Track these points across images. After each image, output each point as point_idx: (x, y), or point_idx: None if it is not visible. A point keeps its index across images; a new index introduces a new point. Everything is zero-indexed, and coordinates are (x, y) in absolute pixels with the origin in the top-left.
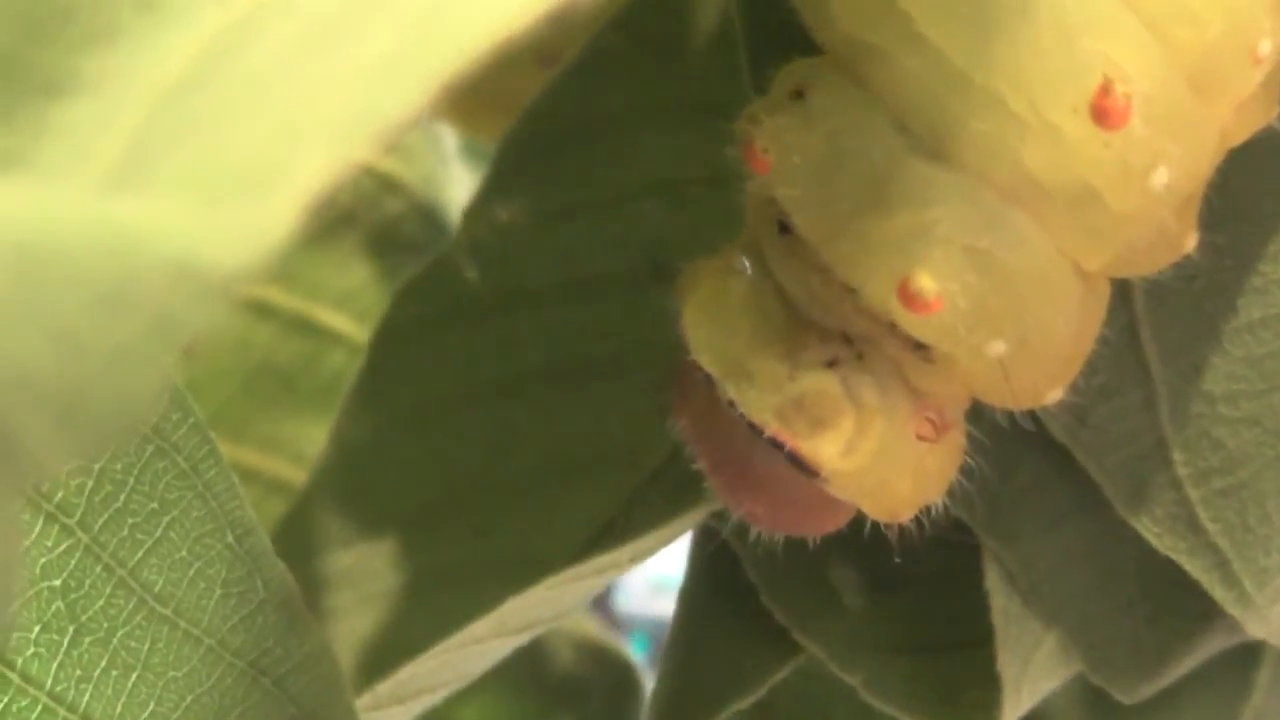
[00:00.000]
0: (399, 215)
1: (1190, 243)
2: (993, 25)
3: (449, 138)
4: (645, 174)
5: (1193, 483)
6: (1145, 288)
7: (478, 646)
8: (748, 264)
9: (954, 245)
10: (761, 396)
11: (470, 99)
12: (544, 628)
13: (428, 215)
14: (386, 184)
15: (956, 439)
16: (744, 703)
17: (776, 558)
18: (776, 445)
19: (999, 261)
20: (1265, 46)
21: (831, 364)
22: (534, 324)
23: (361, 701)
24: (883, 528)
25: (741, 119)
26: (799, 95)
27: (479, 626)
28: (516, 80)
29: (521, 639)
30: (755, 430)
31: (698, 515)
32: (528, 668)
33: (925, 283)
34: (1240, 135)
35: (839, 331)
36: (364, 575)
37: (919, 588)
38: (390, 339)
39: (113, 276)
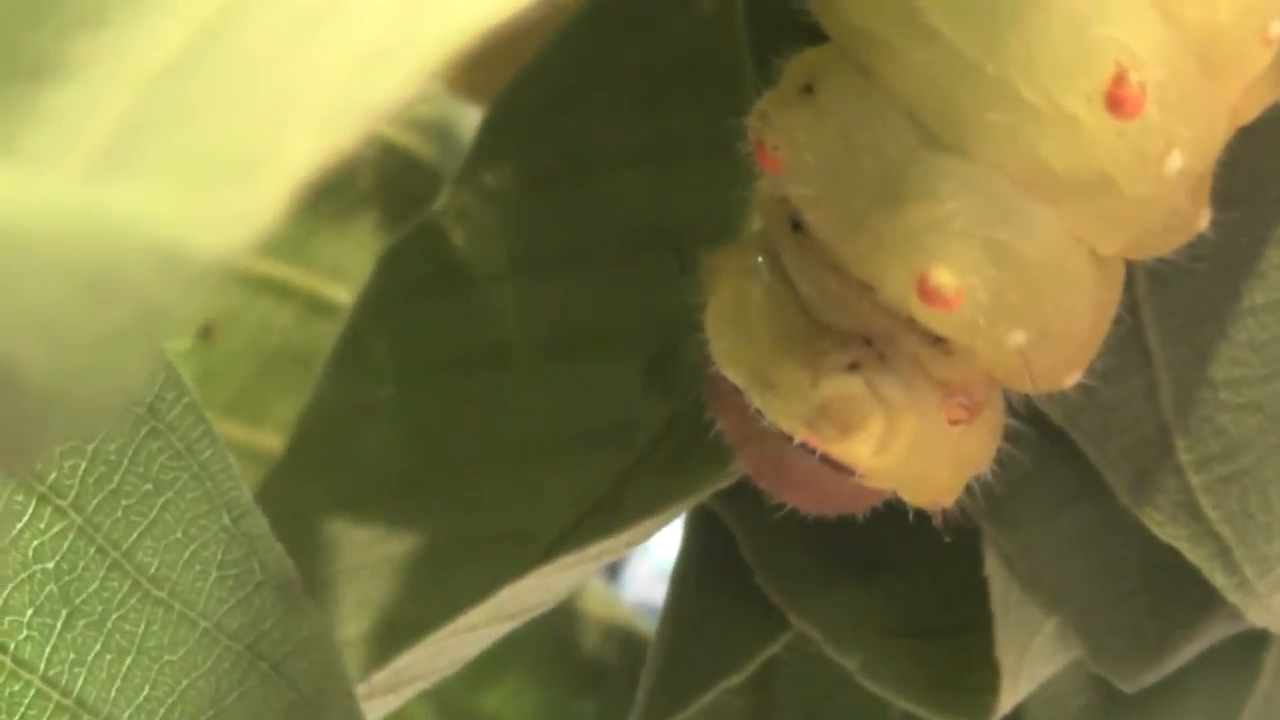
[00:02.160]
0: (420, 194)
1: (1203, 222)
2: (1004, 14)
3: (471, 115)
4: (637, 142)
5: (1194, 469)
6: (1148, 272)
7: (472, 633)
8: (764, 263)
9: (972, 238)
10: (787, 406)
11: (482, 70)
12: (539, 612)
13: None
14: (407, 162)
15: (993, 415)
16: (734, 679)
17: (773, 538)
18: (809, 450)
19: (1017, 252)
20: (1276, 27)
21: (853, 367)
22: (521, 293)
23: (357, 691)
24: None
25: (751, 115)
26: (808, 90)
27: (475, 614)
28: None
29: (516, 623)
30: (786, 437)
31: (694, 499)
32: (553, 652)
33: (944, 278)
34: (1249, 114)
35: (858, 333)
36: (347, 546)
37: (917, 571)
38: (373, 304)
39: (97, 264)
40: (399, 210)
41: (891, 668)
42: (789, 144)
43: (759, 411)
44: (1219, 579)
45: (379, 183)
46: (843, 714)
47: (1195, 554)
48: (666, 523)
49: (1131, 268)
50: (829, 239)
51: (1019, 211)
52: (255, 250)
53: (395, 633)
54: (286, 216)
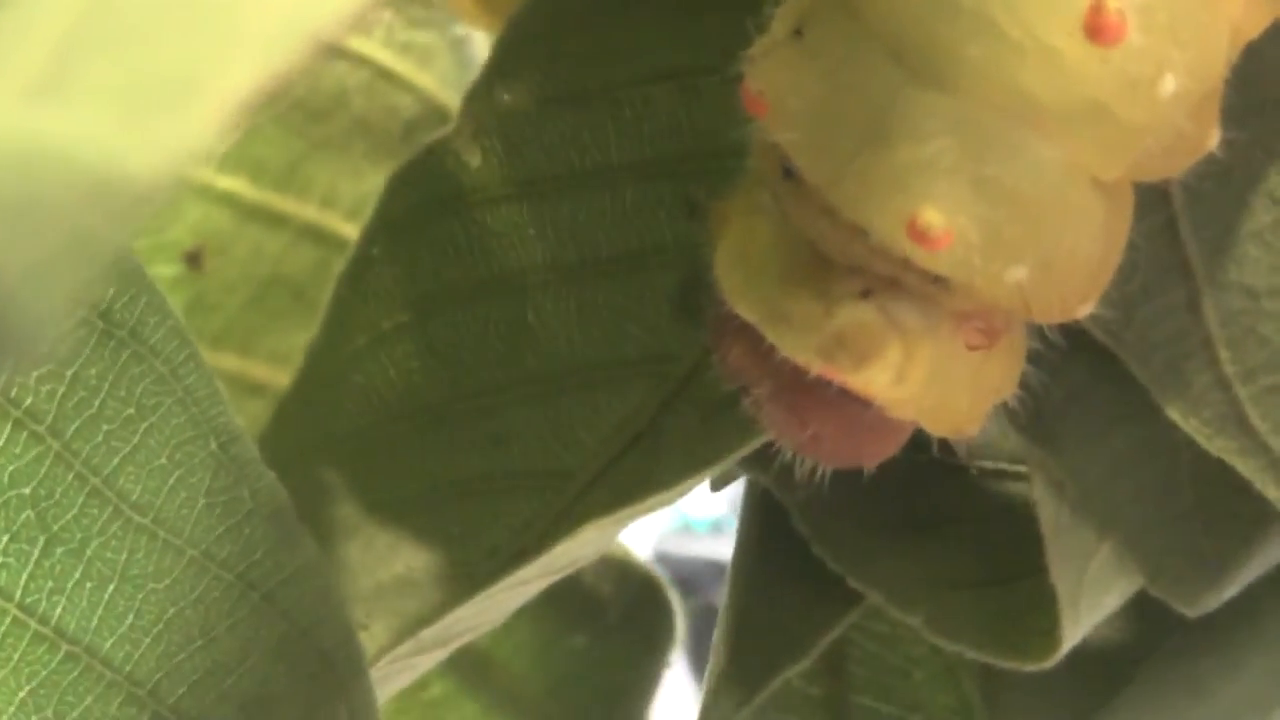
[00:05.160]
0: (414, 120)
1: (1212, 141)
2: None
3: (477, 42)
4: (655, 61)
5: (1240, 380)
6: (1183, 185)
7: (523, 587)
8: (770, 202)
9: (960, 176)
10: (802, 337)
11: None
12: (585, 563)
13: (444, 120)
14: (402, 88)
15: (1014, 341)
16: (799, 666)
17: (825, 505)
18: (825, 382)
19: (1009, 187)
20: None
21: (866, 294)
22: (540, 215)
23: (404, 648)
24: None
25: (741, 60)
26: (798, 34)
27: (528, 569)
28: None
29: (563, 575)
30: (801, 370)
31: (744, 440)
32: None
33: (933, 218)
34: (1254, 29)
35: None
36: (370, 483)
37: (970, 523)
38: (384, 228)
39: (26, 189)
40: (392, 136)
41: (955, 619)
42: (774, 89)
43: (772, 348)
44: (1271, 491)
45: (371, 108)
46: (919, 691)
47: (1246, 467)
48: (714, 468)
49: (1166, 180)
50: (818, 184)
51: (1010, 145)
52: (246, 177)
53: (431, 575)
54: (236, 136)
